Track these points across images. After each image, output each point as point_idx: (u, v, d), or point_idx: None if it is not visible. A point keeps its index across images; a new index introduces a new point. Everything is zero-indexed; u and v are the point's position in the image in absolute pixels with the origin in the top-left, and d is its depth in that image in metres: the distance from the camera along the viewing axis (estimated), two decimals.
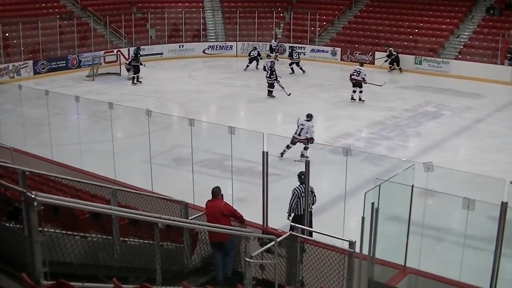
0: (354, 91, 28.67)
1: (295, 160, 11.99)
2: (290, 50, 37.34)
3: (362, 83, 28.27)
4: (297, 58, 35.82)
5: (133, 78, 33.05)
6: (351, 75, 28.69)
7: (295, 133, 19.76)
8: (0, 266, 7.06)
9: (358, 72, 28.29)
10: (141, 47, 36.72)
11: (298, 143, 19.83)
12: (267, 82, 29.34)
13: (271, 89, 29.25)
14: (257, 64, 36.32)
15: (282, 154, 19.78)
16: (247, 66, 36.35)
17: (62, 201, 6.93)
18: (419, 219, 11.04)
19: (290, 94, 29.12)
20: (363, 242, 9.76)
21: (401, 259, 10.71)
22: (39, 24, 36.71)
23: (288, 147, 19.81)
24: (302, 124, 19.75)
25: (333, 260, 9.66)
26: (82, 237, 7.97)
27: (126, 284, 6.55)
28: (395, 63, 37.03)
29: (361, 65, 29.54)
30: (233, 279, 10.54)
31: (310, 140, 19.56)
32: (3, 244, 7.52)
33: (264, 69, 30.94)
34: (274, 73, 29.21)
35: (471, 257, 11.86)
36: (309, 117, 20.04)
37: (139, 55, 33.50)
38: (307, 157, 19.29)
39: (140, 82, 32.97)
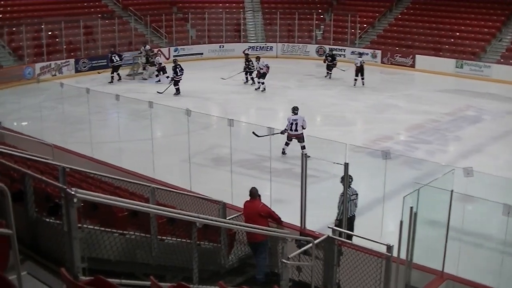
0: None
1: (333, 163, 11.91)
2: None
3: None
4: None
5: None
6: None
7: (290, 129, 19.81)
8: (40, 260, 7.14)
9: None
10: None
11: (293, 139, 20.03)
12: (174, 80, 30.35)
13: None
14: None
15: (284, 152, 20.06)
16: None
17: (101, 198, 6.98)
18: (458, 224, 10.94)
19: (161, 92, 29.97)
20: (401, 246, 9.69)
21: (439, 265, 10.60)
22: (81, 23, 37.23)
23: (286, 144, 20.07)
24: (294, 119, 19.89)
25: (370, 263, 9.59)
26: (120, 235, 8.02)
27: (163, 282, 6.57)
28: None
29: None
30: (270, 280, 10.54)
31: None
32: (43, 239, 7.60)
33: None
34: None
35: (511, 265, 11.70)
36: (296, 109, 20.28)
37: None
38: (309, 156, 19.46)
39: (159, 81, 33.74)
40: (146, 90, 30.76)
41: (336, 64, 34.98)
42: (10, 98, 28.33)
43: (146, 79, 34.43)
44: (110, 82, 33.45)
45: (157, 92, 29.59)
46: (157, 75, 33.94)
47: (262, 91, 30.86)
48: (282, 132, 19.47)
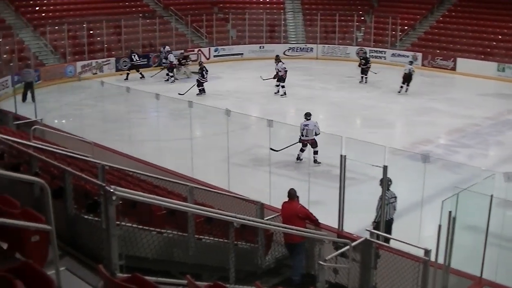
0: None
1: (372, 165, 11.86)
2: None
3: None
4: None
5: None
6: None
7: (302, 135, 19.50)
8: (78, 256, 7.21)
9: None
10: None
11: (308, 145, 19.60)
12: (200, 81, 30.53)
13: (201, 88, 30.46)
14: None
15: (298, 158, 19.76)
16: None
17: (140, 197, 7.02)
18: (498, 230, 10.79)
19: (182, 94, 29.36)
20: (439, 251, 9.59)
21: (477, 270, 10.46)
22: (122, 23, 37.71)
23: (301, 150, 19.73)
24: (305, 125, 19.57)
25: (407, 267, 9.53)
26: (158, 233, 8.06)
27: (199, 281, 6.58)
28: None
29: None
30: (306, 282, 10.51)
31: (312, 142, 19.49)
32: (81, 235, 7.68)
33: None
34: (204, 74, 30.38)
35: None
36: (309, 115, 19.98)
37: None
38: (320, 162, 19.30)
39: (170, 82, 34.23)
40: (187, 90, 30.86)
41: (369, 67, 34.29)
42: (52, 96, 28.68)
43: (177, 79, 34.44)
44: (125, 79, 33.82)
45: (179, 93, 29.30)
46: (167, 74, 34.27)
47: (281, 95, 30.31)
48: (300, 141, 19.42)
